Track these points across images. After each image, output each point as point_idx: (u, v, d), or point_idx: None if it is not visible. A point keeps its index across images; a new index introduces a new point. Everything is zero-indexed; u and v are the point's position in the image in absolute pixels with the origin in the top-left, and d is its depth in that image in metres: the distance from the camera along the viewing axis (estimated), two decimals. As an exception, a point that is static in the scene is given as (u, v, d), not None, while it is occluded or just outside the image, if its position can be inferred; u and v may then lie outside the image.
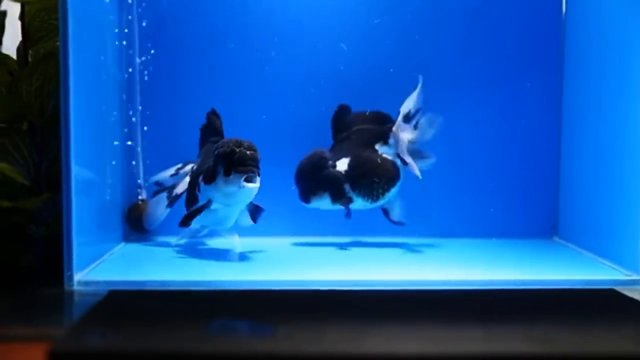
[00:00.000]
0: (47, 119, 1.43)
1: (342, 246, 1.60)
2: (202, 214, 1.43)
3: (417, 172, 1.55)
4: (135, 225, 1.62)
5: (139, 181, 1.66)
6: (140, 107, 1.65)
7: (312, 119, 1.64)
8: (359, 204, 1.58)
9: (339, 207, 1.58)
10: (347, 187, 1.57)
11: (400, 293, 1.25)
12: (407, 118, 1.58)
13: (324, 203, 1.59)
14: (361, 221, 1.63)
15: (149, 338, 0.98)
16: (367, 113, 1.61)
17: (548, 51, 1.69)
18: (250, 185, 1.34)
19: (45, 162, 1.44)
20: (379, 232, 1.66)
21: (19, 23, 1.46)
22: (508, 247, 1.62)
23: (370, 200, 1.58)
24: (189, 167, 1.57)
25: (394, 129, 1.58)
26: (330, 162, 1.57)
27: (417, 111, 1.58)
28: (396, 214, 1.61)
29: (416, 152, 1.58)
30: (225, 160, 1.35)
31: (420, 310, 1.16)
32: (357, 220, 1.61)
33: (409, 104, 1.58)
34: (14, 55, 1.49)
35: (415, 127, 1.58)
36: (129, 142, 1.64)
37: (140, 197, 1.66)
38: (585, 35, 1.59)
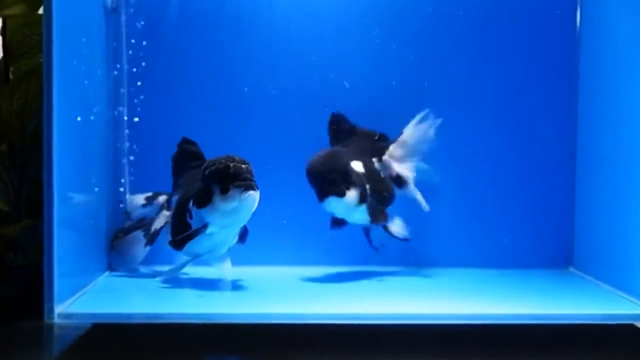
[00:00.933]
0: (28, 140, 1.41)
1: (347, 276, 1.56)
2: (195, 240, 1.39)
3: (424, 205, 1.50)
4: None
5: (122, 206, 1.61)
6: (127, 131, 1.62)
7: (311, 143, 1.56)
8: (359, 216, 1.48)
9: (358, 218, 1.46)
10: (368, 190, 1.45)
11: (408, 327, 1.22)
12: (405, 145, 1.53)
13: (344, 205, 1.42)
14: (365, 248, 1.58)
15: (135, 376, 0.95)
16: (363, 128, 1.55)
17: (562, 77, 1.67)
18: (252, 192, 1.30)
19: (26, 186, 1.42)
20: (384, 261, 1.61)
21: (-1, 38, 1.45)
22: (521, 278, 1.59)
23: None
24: (162, 198, 1.54)
25: (389, 150, 1.53)
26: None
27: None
28: (397, 229, 1.52)
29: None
30: (220, 177, 1.31)
31: (427, 345, 1.14)
32: (360, 247, 1.58)
33: (413, 134, 1.52)
34: (-6, 72, 1.47)
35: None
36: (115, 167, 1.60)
37: (126, 225, 1.60)
38: (600, 56, 1.56)
